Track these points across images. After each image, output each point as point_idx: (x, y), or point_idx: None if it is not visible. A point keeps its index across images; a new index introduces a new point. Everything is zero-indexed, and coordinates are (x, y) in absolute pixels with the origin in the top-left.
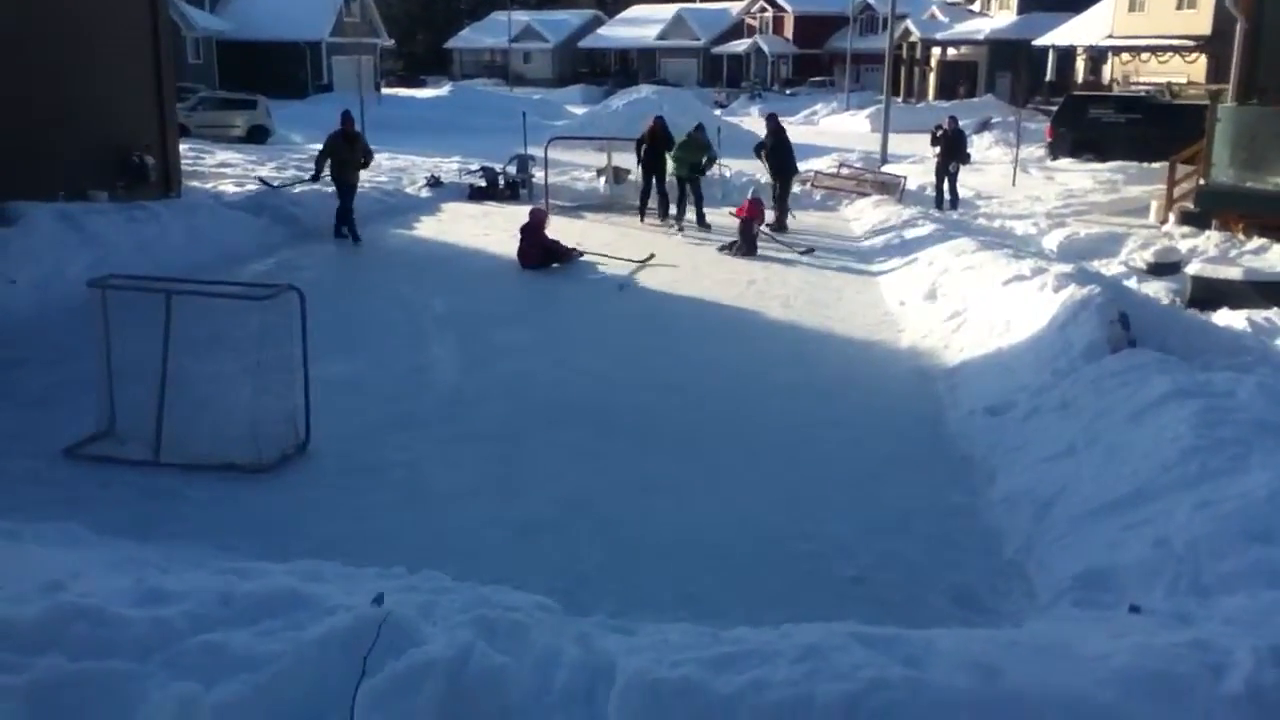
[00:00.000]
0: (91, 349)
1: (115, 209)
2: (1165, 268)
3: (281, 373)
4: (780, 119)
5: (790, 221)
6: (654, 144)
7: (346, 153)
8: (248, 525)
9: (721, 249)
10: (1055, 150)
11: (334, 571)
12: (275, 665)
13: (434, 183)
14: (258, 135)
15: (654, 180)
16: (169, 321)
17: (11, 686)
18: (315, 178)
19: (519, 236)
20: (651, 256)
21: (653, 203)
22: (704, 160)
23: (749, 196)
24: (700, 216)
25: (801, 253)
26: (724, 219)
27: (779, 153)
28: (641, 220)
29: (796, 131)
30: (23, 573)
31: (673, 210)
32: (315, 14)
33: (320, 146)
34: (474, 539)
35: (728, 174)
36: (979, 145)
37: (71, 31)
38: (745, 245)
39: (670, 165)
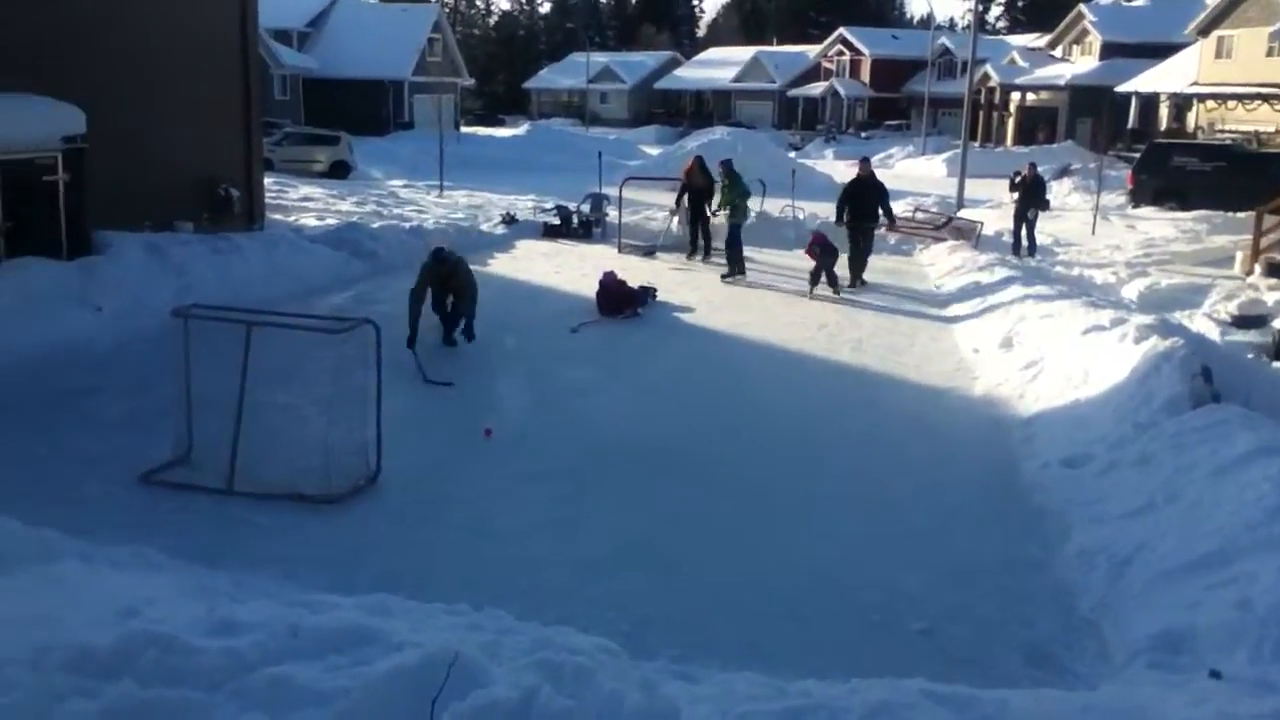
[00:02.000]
0: (170, 377)
1: (199, 240)
2: (1250, 320)
3: (354, 405)
4: (868, 164)
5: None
6: (693, 183)
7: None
8: (316, 556)
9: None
10: (1137, 198)
11: (400, 607)
12: (342, 701)
13: (509, 220)
14: (340, 171)
15: (699, 218)
16: (248, 352)
17: (85, 712)
18: (411, 340)
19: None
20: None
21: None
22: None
23: (812, 232)
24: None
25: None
26: (788, 260)
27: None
28: (688, 259)
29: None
30: (99, 598)
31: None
32: (399, 53)
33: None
34: (537, 578)
35: (800, 215)
36: (1058, 191)
37: (166, 67)
38: (817, 281)
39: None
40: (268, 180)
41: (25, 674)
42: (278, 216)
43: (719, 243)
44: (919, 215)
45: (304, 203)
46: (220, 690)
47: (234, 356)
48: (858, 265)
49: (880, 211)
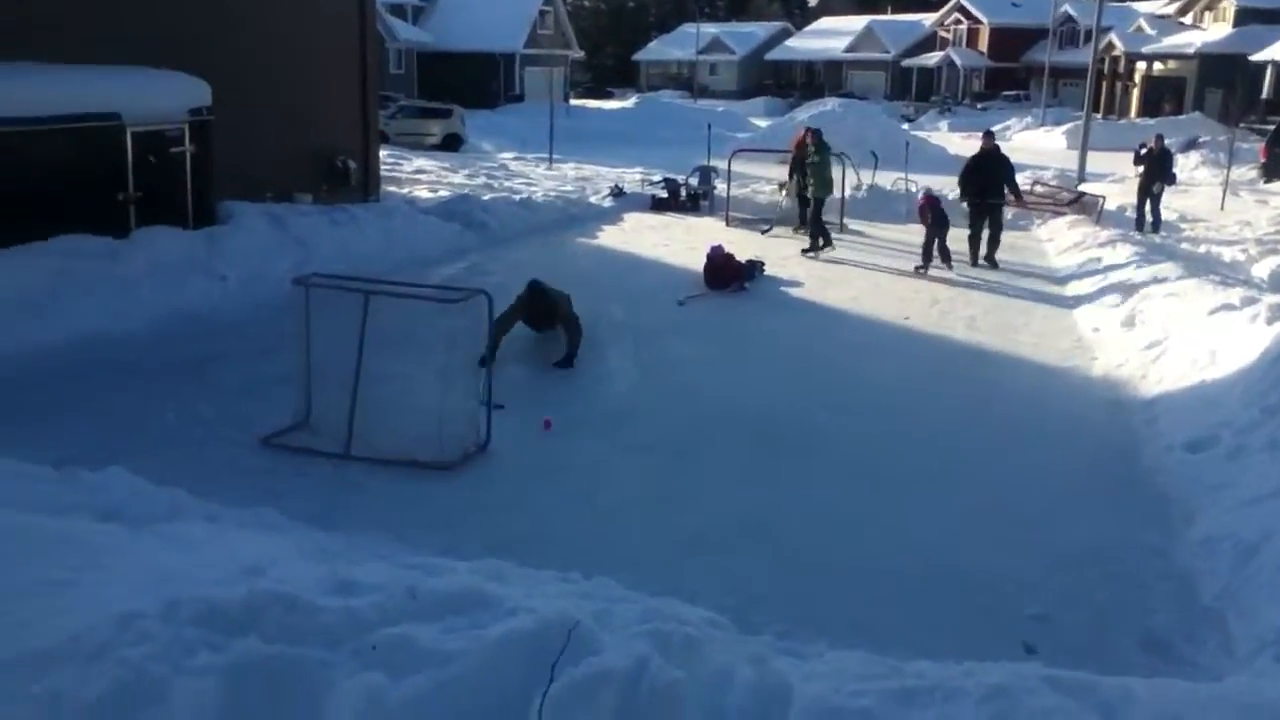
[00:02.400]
0: (290, 344)
1: (318, 211)
2: None
3: (467, 375)
4: (992, 137)
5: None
6: (804, 155)
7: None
8: (428, 521)
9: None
10: (1270, 172)
11: (513, 572)
12: (459, 663)
13: (617, 193)
14: (452, 143)
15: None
16: (365, 320)
17: (213, 665)
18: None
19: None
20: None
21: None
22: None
23: (921, 196)
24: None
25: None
26: (900, 234)
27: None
28: (795, 231)
29: None
30: (224, 556)
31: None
32: (511, 26)
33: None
34: (643, 549)
35: (914, 189)
36: (1185, 165)
37: (287, 42)
38: (929, 257)
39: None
40: (382, 153)
41: (157, 626)
42: (392, 188)
43: (827, 216)
44: (1038, 189)
45: (417, 175)
46: (341, 649)
47: (352, 325)
48: (991, 244)
49: (1005, 188)
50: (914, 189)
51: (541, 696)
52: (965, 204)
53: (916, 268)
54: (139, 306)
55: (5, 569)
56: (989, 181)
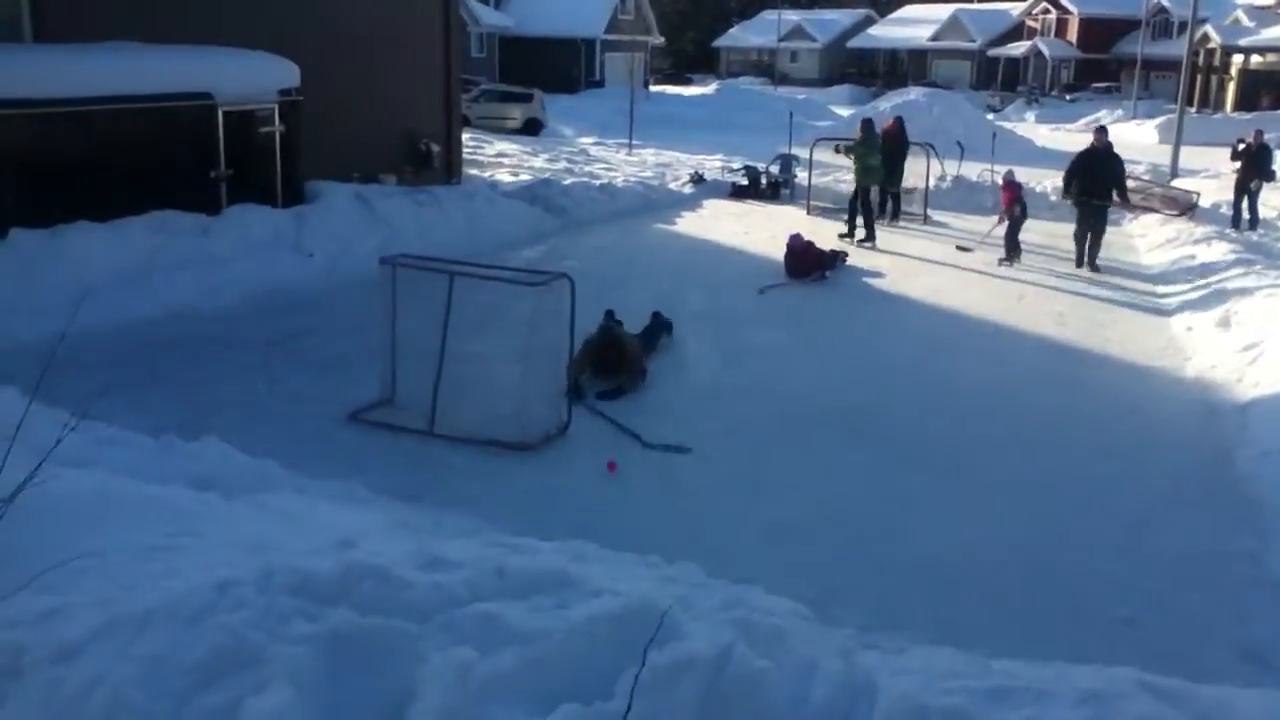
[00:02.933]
0: (376, 322)
1: (402, 192)
2: None
3: (549, 357)
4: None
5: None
6: (891, 146)
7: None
8: (511, 500)
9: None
10: None
11: (596, 554)
12: (545, 642)
13: (697, 179)
14: (532, 127)
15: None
16: (450, 301)
17: (307, 634)
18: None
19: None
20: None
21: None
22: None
23: (1005, 181)
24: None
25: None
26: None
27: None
28: (889, 224)
29: (1076, 140)
30: (316, 528)
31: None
32: (592, 11)
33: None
34: (724, 536)
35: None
36: None
37: (373, 26)
38: (1015, 248)
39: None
40: (464, 136)
41: (253, 594)
42: (474, 171)
43: (909, 207)
44: (1129, 184)
45: (498, 159)
46: (431, 622)
47: (436, 305)
48: (1093, 248)
49: (1114, 190)
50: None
51: (635, 678)
52: (1070, 202)
53: (1000, 260)
54: (230, 282)
55: (109, 532)
56: (1098, 180)
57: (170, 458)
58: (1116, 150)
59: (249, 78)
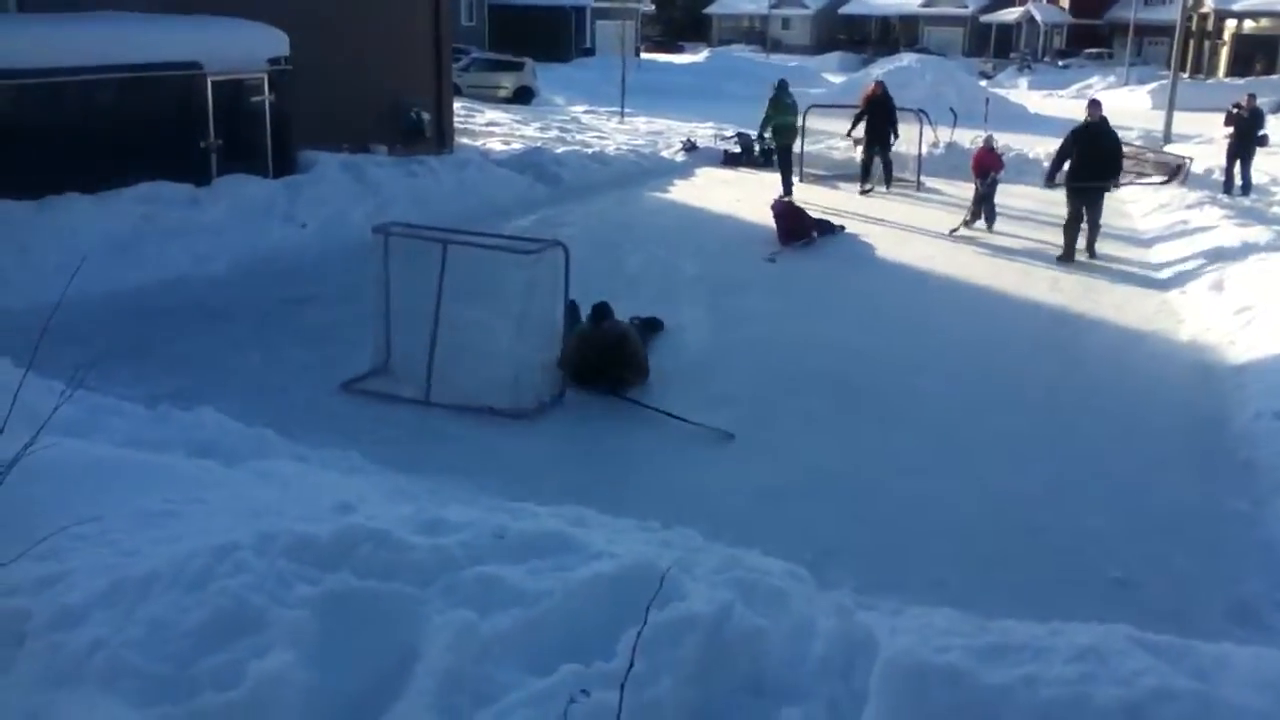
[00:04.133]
0: (369, 291)
1: (393, 162)
2: None
3: (543, 325)
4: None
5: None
6: (875, 110)
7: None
8: (507, 467)
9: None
10: None
11: (595, 519)
12: (545, 603)
13: (689, 147)
14: (524, 96)
15: (876, 148)
16: (444, 270)
17: (308, 597)
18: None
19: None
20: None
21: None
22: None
23: (982, 145)
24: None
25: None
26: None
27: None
28: (861, 187)
29: (1069, 107)
30: (315, 494)
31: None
32: None
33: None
34: (719, 501)
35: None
36: (1277, 127)
37: None
38: (977, 211)
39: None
40: (455, 105)
41: (254, 558)
42: (465, 140)
43: (902, 173)
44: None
45: (490, 127)
46: (432, 585)
47: (429, 273)
48: (1092, 231)
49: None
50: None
51: (637, 635)
52: (1063, 188)
53: (960, 226)
54: (222, 251)
55: (109, 500)
56: (1092, 160)
57: (166, 427)
58: (1111, 114)
59: (238, 47)
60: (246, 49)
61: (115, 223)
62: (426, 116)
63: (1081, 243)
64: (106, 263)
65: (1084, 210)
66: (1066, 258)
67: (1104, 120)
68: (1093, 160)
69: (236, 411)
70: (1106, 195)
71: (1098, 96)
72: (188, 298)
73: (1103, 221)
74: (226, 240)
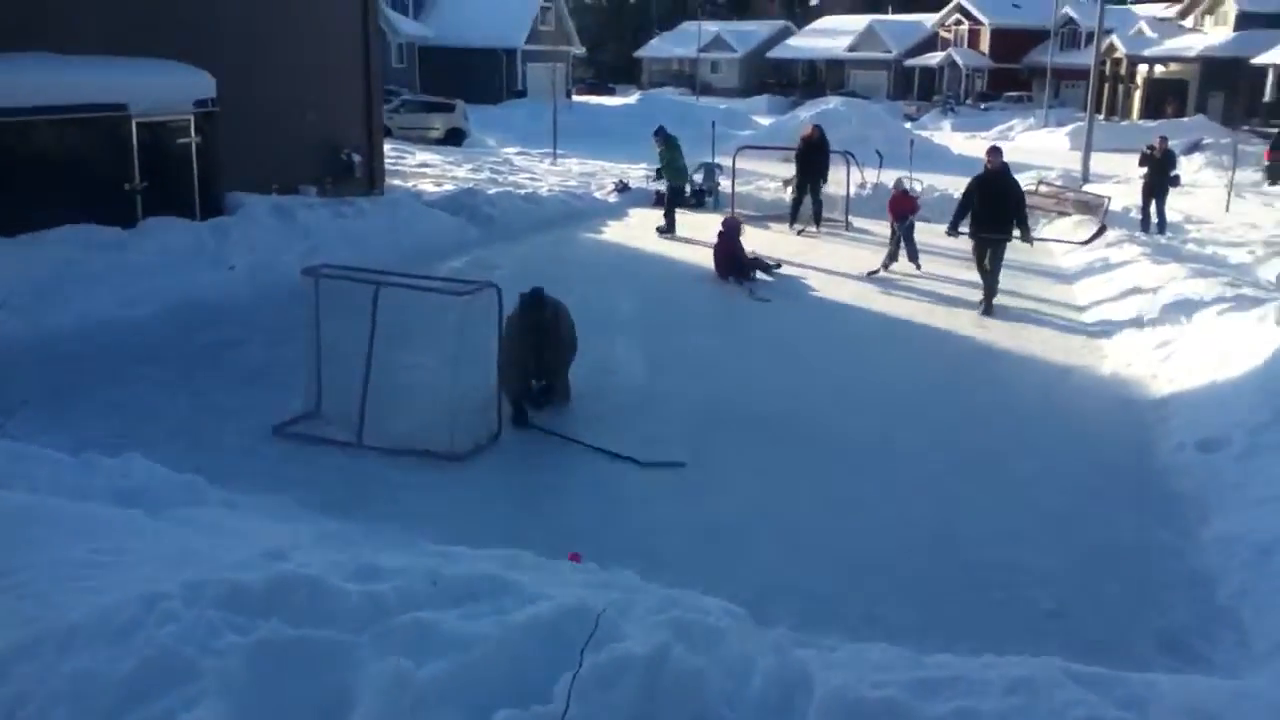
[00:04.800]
0: (300, 333)
1: (323, 203)
2: None
3: (477, 366)
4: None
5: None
6: (810, 153)
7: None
8: (441, 511)
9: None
10: (1274, 175)
11: (531, 561)
12: (480, 648)
13: (621, 188)
14: (455, 137)
15: (809, 189)
16: (375, 311)
17: (239, 646)
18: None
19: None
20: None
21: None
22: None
23: (895, 189)
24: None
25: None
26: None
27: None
28: (790, 227)
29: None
30: (245, 541)
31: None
32: (512, 22)
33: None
34: (658, 541)
35: (918, 187)
36: (1189, 167)
37: (291, 36)
38: (894, 252)
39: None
40: (386, 147)
41: (182, 608)
42: (396, 182)
43: (831, 214)
44: (1043, 189)
45: (421, 169)
46: (365, 632)
47: (361, 315)
48: (989, 288)
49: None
50: (918, 187)
51: (572, 678)
52: (965, 235)
53: (871, 273)
54: (148, 295)
55: (32, 550)
56: (994, 210)
57: (91, 474)
58: (1032, 154)
59: (164, 89)
60: (173, 91)
61: (37, 266)
62: (357, 158)
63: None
64: (28, 307)
65: (989, 262)
66: (983, 309)
67: (1004, 167)
68: (993, 209)
69: (165, 458)
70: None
71: (997, 144)
72: (113, 342)
73: (1029, 260)
74: (153, 284)
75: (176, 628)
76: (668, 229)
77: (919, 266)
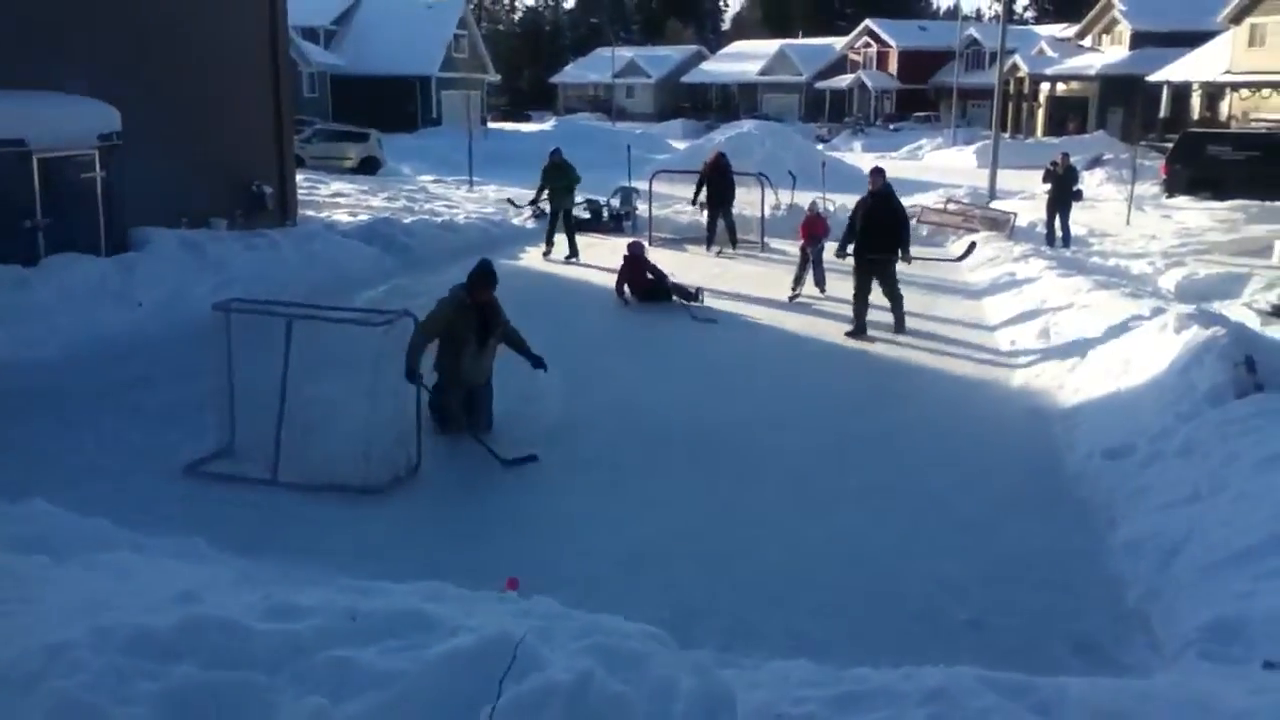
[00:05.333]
0: (212, 370)
1: (234, 236)
2: None
3: (394, 397)
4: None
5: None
6: (715, 177)
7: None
8: (360, 545)
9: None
10: (1171, 188)
11: (451, 593)
12: (401, 684)
13: (539, 214)
14: (369, 166)
15: (718, 211)
16: (289, 345)
17: (150, 693)
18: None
19: (620, 267)
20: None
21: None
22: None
23: (809, 211)
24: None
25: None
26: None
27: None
28: (707, 249)
29: (901, 167)
30: (155, 584)
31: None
32: (426, 50)
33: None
34: (581, 567)
35: (831, 208)
36: (1090, 182)
37: (198, 67)
38: (801, 276)
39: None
40: (299, 177)
41: (89, 656)
42: (310, 213)
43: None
44: (951, 207)
45: (335, 199)
46: (281, 673)
47: (275, 350)
48: (895, 309)
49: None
50: (831, 208)
51: (491, 711)
52: (852, 259)
53: (792, 298)
54: (52, 334)
55: None
56: (877, 232)
57: None
58: (941, 173)
59: (65, 123)
60: (75, 125)
61: None
62: (268, 189)
63: (890, 319)
64: None
65: (875, 284)
66: (857, 333)
67: (887, 188)
68: (877, 231)
69: (70, 502)
70: (942, 250)
71: (879, 165)
72: (15, 384)
73: (938, 276)
74: (56, 323)
75: (84, 676)
76: (548, 249)
77: (824, 290)
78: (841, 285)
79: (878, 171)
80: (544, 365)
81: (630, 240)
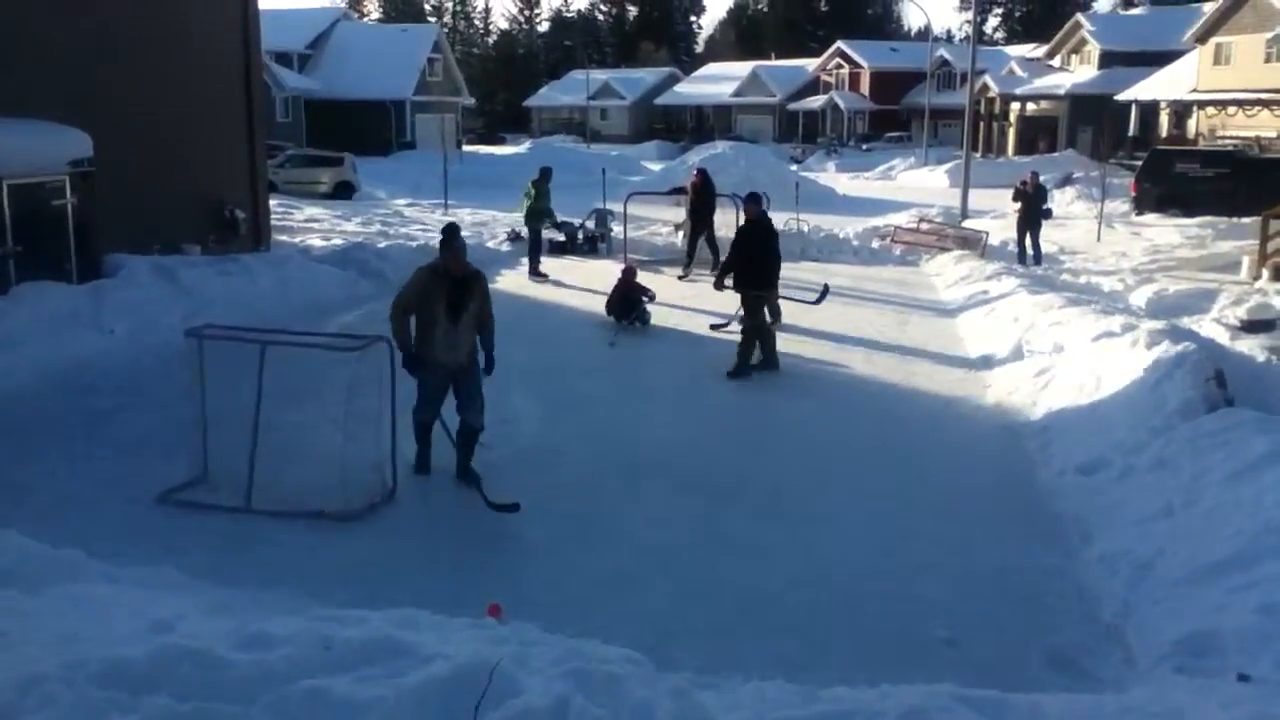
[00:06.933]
0: (185, 397)
1: (207, 262)
2: (1259, 325)
3: (370, 423)
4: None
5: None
6: (697, 197)
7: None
8: (337, 573)
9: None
10: (1140, 205)
11: (428, 620)
12: (376, 712)
13: (514, 237)
14: (344, 191)
15: (700, 232)
16: (262, 371)
17: None
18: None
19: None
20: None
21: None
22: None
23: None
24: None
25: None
26: (794, 272)
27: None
28: (683, 272)
29: (875, 187)
30: (128, 615)
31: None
32: (399, 74)
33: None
34: (559, 591)
35: (805, 228)
36: (1061, 200)
37: (170, 92)
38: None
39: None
40: (272, 202)
41: (62, 689)
42: (284, 238)
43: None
44: (924, 226)
45: (309, 224)
46: (256, 703)
47: (248, 376)
48: (765, 349)
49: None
50: (805, 228)
51: None
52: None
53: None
54: (23, 362)
55: None
56: (750, 263)
57: None
58: (913, 192)
59: (36, 149)
60: (46, 151)
61: None
62: (241, 214)
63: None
64: None
65: (758, 321)
66: (735, 370)
67: (762, 217)
68: (750, 263)
69: (41, 532)
70: (914, 270)
71: (757, 191)
72: None
73: (912, 296)
74: (27, 351)
75: (56, 711)
76: (533, 270)
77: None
78: (821, 307)
79: (753, 198)
80: (491, 370)
81: (625, 265)
